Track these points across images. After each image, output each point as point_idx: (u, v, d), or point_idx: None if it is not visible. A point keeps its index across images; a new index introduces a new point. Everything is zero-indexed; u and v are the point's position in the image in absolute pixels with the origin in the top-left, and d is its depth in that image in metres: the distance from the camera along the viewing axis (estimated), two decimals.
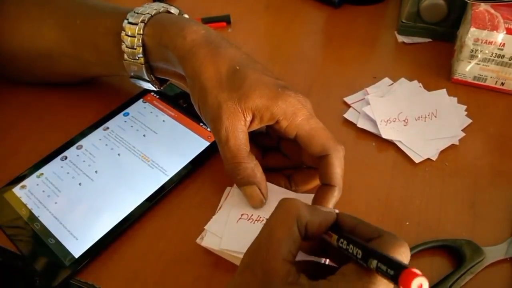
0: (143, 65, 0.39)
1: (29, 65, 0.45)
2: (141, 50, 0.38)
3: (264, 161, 0.40)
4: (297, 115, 0.35)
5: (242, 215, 0.36)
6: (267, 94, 0.34)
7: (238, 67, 0.35)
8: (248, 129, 0.35)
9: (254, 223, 0.35)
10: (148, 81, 0.41)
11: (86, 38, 0.41)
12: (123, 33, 0.38)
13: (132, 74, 0.41)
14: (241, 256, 0.33)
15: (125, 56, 0.39)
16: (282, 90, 0.35)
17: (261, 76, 0.35)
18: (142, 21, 0.38)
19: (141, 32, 0.38)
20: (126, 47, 0.39)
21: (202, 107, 0.36)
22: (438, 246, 0.36)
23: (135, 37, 0.38)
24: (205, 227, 0.35)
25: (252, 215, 0.36)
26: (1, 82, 0.49)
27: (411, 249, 0.35)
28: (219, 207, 0.37)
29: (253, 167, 0.35)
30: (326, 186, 0.35)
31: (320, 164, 0.36)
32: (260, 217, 0.36)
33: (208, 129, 0.43)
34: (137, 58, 0.39)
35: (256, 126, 0.35)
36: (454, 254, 0.35)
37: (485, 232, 0.37)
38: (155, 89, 0.42)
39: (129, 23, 0.38)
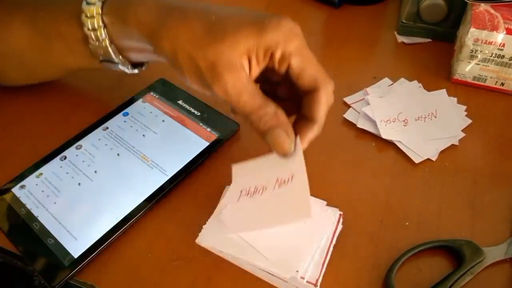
0: (109, 47, 0.38)
1: (2, 68, 0.44)
2: (102, 31, 0.37)
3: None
4: (288, 43, 0.32)
5: (241, 192, 0.36)
6: (253, 30, 0.31)
7: (213, 17, 0.33)
8: (252, 77, 0.33)
9: (253, 194, 0.35)
10: (117, 63, 0.40)
11: (51, 28, 0.40)
12: (83, 16, 0.37)
13: (101, 58, 0.40)
14: (240, 256, 0.33)
15: (90, 40, 0.38)
16: (269, 20, 0.32)
17: (239, 17, 0.32)
18: (100, 0, 0.36)
19: (99, 11, 0.36)
20: (88, 29, 0.37)
21: (197, 76, 0.33)
22: (438, 247, 0.36)
23: (94, 17, 0.36)
24: (203, 226, 0.35)
25: (250, 188, 0.35)
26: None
27: (411, 250, 0.35)
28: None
29: (275, 110, 0.33)
30: (307, 120, 0.34)
31: (307, 96, 0.34)
32: (261, 185, 0.35)
33: (208, 129, 0.43)
34: (100, 39, 0.37)
35: (255, 71, 0.33)
36: (454, 255, 0.35)
37: (485, 233, 0.37)
38: (128, 71, 0.41)
39: (88, 3, 0.36)
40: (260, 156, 0.36)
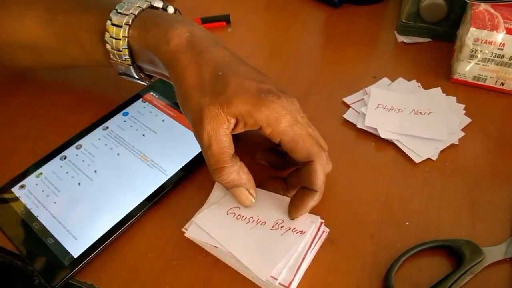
0: (131, 66, 0.39)
1: (12, 56, 0.44)
2: (127, 52, 0.38)
3: (264, 156, 0.40)
4: (280, 122, 0.34)
5: (229, 210, 0.37)
6: (249, 100, 0.33)
7: (220, 73, 0.34)
8: (232, 132, 0.35)
9: (241, 220, 0.36)
10: (137, 79, 0.41)
11: (69, 35, 0.40)
12: (107, 34, 0.38)
13: (120, 71, 0.41)
14: (225, 248, 0.34)
15: (111, 56, 0.39)
16: (265, 95, 0.34)
17: (243, 81, 0.34)
18: (126, 24, 0.37)
19: (126, 34, 0.37)
20: (112, 48, 0.38)
21: (185, 113, 0.36)
22: (437, 246, 0.36)
23: (120, 39, 0.37)
24: (192, 219, 0.36)
25: (239, 214, 0.37)
26: (1, 82, 0.49)
27: (410, 250, 0.35)
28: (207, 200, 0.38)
29: (237, 169, 0.35)
30: (307, 189, 0.35)
31: (303, 168, 0.35)
32: (248, 217, 0.36)
33: None
34: (124, 59, 0.39)
35: (240, 130, 0.35)
36: (454, 254, 0.35)
37: (485, 232, 0.37)
38: (144, 84, 0.42)
39: (113, 24, 0.37)
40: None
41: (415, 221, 0.37)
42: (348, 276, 0.34)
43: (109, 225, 0.36)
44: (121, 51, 0.38)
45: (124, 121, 0.45)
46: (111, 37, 0.37)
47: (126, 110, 0.46)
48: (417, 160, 0.42)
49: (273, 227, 0.35)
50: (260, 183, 0.38)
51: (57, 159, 0.41)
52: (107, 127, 0.44)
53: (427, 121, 0.44)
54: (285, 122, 0.34)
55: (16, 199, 0.38)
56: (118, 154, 0.42)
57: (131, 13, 0.37)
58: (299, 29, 0.58)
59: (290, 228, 0.35)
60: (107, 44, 0.38)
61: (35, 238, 0.36)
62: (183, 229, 0.36)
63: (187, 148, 0.42)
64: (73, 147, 0.42)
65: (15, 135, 0.45)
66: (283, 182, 0.38)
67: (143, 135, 0.43)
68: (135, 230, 0.37)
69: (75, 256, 0.35)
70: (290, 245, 0.34)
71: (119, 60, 0.39)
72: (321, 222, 0.36)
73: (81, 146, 0.42)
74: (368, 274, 0.34)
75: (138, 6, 0.38)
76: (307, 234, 0.35)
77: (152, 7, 0.39)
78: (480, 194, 0.39)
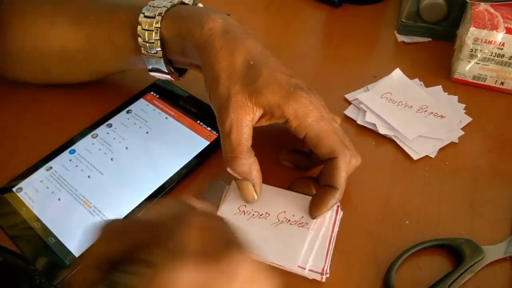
0: (162, 58, 0.39)
1: (43, 64, 0.45)
2: (159, 44, 0.38)
3: (287, 157, 0.41)
4: (307, 116, 0.34)
5: (239, 208, 0.37)
6: (279, 92, 0.34)
7: (252, 62, 0.35)
8: (256, 124, 0.35)
9: (255, 219, 0.36)
10: (166, 73, 0.41)
11: (101, 34, 0.41)
12: (139, 27, 0.38)
13: (150, 67, 0.41)
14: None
15: (143, 50, 0.39)
16: (295, 89, 0.35)
17: (275, 73, 0.35)
18: (159, 14, 0.38)
19: (159, 25, 0.38)
20: (143, 41, 0.39)
21: (212, 96, 0.36)
22: (437, 245, 0.36)
23: (152, 31, 0.38)
24: None
25: (248, 211, 0.37)
26: (1, 82, 0.49)
27: (410, 248, 0.35)
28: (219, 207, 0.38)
29: (250, 163, 0.35)
30: (328, 187, 0.36)
31: (326, 165, 0.36)
32: (258, 213, 0.37)
33: (208, 128, 0.43)
34: (155, 51, 0.39)
35: (265, 122, 0.36)
36: (454, 253, 0.35)
37: (485, 231, 0.37)
38: (173, 80, 0.42)
39: (146, 16, 0.38)
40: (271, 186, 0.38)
41: (415, 220, 0.38)
42: (348, 275, 0.34)
43: None
44: (152, 42, 0.38)
45: (128, 118, 0.45)
46: (143, 29, 0.38)
47: (127, 109, 0.46)
48: (415, 157, 0.42)
49: (279, 221, 0.36)
50: (290, 184, 0.39)
51: (58, 158, 0.41)
52: (111, 124, 0.44)
53: (426, 118, 0.44)
54: (312, 117, 0.34)
55: (17, 198, 0.39)
56: (118, 153, 0.42)
57: (164, 6, 0.38)
58: (299, 29, 0.58)
59: (297, 221, 0.36)
60: (139, 38, 0.39)
61: (37, 237, 0.36)
62: None
63: (187, 147, 0.42)
64: (82, 141, 0.42)
65: (15, 135, 0.45)
66: (315, 181, 0.38)
67: (145, 134, 0.43)
68: None
69: (77, 255, 0.35)
70: (302, 236, 0.35)
71: (151, 53, 0.39)
72: (338, 206, 0.36)
73: (97, 135, 0.42)
74: (368, 273, 0.34)
75: (170, 1, 0.39)
76: (326, 220, 0.35)
77: (182, 3, 0.40)
78: (480, 193, 0.39)
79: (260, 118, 0.35)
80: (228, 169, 0.36)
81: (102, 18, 0.41)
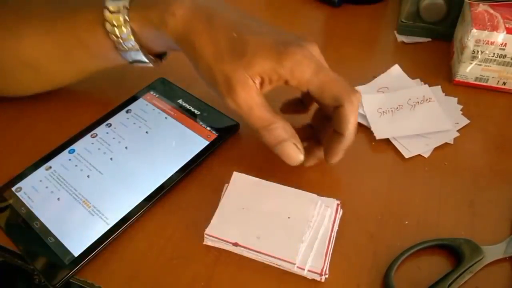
0: (139, 50, 0.39)
1: (15, 77, 0.43)
2: (132, 37, 0.37)
3: (286, 108, 0.42)
4: (304, 72, 0.34)
5: (243, 208, 0.37)
6: (270, 55, 0.34)
7: (235, 34, 0.34)
8: (262, 92, 0.35)
9: (255, 214, 0.36)
10: (148, 62, 0.40)
11: (71, 38, 0.40)
12: (108, 25, 0.37)
13: (131, 60, 0.40)
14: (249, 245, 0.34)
15: (118, 46, 0.38)
16: (285, 48, 0.34)
17: (260, 39, 0.34)
18: (124, 7, 0.36)
19: (126, 18, 0.36)
20: (116, 37, 0.37)
21: (210, 84, 0.36)
22: (437, 245, 0.36)
23: (121, 26, 0.37)
24: (205, 232, 0.35)
25: (252, 206, 0.37)
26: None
27: (410, 249, 0.35)
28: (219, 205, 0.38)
29: (283, 125, 0.35)
30: (337, 134, 0.36)
31: (334, 113, 0.36)
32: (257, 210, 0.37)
33: (208, 128, 0.43)
34: (130, 45, 0.38)
35: (267, 88, 0.35)
36: (453, 253, 0.35)
37: (484, 231, 0.37)
38: (157, 66, 0.42)
39: (111, 12, 0.37)
40: (270, 182, 0.38)
41: (414, 220, 0.38)
42: (347, 275, 0.34)
43: (109, 224, 0.36)
44: (125, 37, 0.37)
45: (127, 118, 0.45)
46: (113, 25, 0.37)
47: (127, 108, 0.45)
48: (406, 155, 0.42)
49: (282, 217, 0.36)
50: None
51: (58, 157, 0.41)
52: (111, 124, 0.44)
53: (420, 117, 0.44)
54: (309, 71, 0.34)
55: (17, 198, 0.38)
56: (117, 153, 0.42)
57: None
58: (299, 29, 0.58)
59: (297, 217, 0.36)
60: (110, 35, 0.38)
61: (36, 237, 0.36)
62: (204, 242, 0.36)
63: (187, 147, 0.42)
64: (82, 141, 0.42)
65: (14, 135, 0.45)
66: (311, 129, 0.40)
67: (145, 133, 0.43)
68: (135, 229, 0.37)
69: (76, 255, 0.35)
70: (300, 231, 0.35)
71: (127, 47, 0.38)
72: (338, 204, 0.37)
73: (96, 134, 0.42)
74: (368, 273, 0.34)
75: None
76: (325, 218, 0.35)
77: None
78: (480, 193, 0.39)
79: (261, 86, 0.35)
80: (265, 139, 0.36)
81: (68, 22, 0.39)
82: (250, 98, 0.34)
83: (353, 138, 0.36)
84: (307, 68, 0.34)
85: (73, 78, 0.45)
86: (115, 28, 0.37)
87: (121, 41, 0.38)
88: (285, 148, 0.36)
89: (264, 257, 0.34)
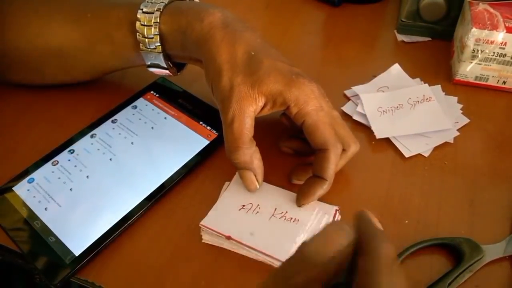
0: (161, 54, 0.40)
1: (40, 65, 0.44)
2: (158, 39, 0.39)
3: (288, 143, 0.41)
4: (307, 104, 0.35)
5: (242, 206, 0.37)
6: (281, 80, 0.35)
7: (253, 53, 0.36)
8: (258, 114, 0.36)
9: (252, 213, 0.37)
10: (165, 69, 0.41)
11: (99, 31, 0.41)
12: (138, 23, 0.39)
13: (149, 63, 0.41)
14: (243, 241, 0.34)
15: (141, 46, 0.40)
16: (296, 77, 0.35)
17: (275, 62, 0.36)
18: (158, 10, 0.38)
19: (157, 20, 0.38)
20: (143, 37, 0.39)
21: (214, 87, 0.37)
22: (437, 244, 0.36)
23: (151, 26, 0.38)
24: (201, 223, 0.36)
25: (250, 205, 0.37)
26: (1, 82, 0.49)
27: (410, 248, 0.35)
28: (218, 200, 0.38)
29: (251, 153, 0.36)
30: (317, 178, 0.36)
31: (317, 156, 0.36)
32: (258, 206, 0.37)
33: (208, 128, 0.43)
34: (154, 47, 0.39)
35: (267, 111, 0.36)
36: (453, 252, 0.35)
37: (484, 230, 0.37)
38: (172, 75, 0.43)
39: (144, 12, 0.38)
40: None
41: (414, 219, 0.38)
42: None
43: (110, 224, 0.37)
44: (152, 37, 0.39)
45: (129, 116, 0.45)
46: (142, 25, 0.38)
47: (127, 108, 0.46)
48: (407, 154, 0.42)
49: (279, 217, 0.36)
50: (290, 171, 0.40)
51: (60, 156, 0.41)
52: (110, 124, 0.44)
53: (420, 116, 0.44)
54: (312, 105, 0.35)
55: (17, 197, 0.39)
56: (118, 154, 0.42)
57: (162, 2, 0.39)
58: (299, 28, 0.58)
59: (293, 219, 0.36)
60: (137, 34, 0.39)
61: (36, 236, 0.36)
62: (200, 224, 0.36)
63: (187, 146, 0.42)
64: (82, 141, 0.42)
65: (15, 134, 0.45)
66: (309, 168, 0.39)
67: (144, 134, 0.43)
68: (136, 229, 0.37)
69: (77, 255, 0.35)
70: (294, 231, 0.35)
71: (149, 49, 0.40)
72: (336, 210, 0.37)
73: (74, 151, 0.42)
74: None
75: None
76: (321, 225, 0.36)
77: None
78: (480, 192, 0.39)
79: (263, 107, 0.36)
80: (231, 159, 0.36)
81: (99, 15, 0.41)
82: (238, 113, 0.35)
83: (329, 187, 0.36)
84: (311, 102, 0.35)
85: (88, 75, 0.46)
86: (144, 28, 0.38)
87: (147, 41, 0.39)
88: (245, 175, 0.37)
89: (256, 254, 0.34)
